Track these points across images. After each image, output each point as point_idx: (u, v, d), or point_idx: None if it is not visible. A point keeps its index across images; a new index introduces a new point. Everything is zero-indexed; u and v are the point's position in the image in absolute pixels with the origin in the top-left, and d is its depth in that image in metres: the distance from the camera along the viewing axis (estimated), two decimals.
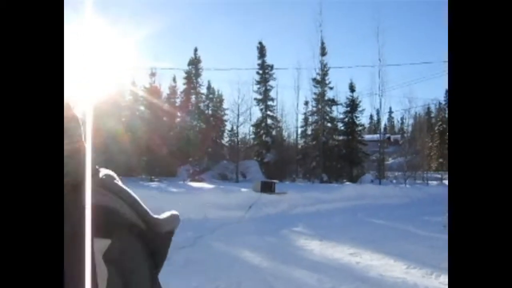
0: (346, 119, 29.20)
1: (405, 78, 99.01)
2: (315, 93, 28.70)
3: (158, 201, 12.22)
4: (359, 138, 29.57)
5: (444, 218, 9.51)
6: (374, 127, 45.19)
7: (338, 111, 29.54)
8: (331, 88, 28.70)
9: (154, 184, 16.32)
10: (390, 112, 58.94)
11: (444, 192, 15.30)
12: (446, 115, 38.25)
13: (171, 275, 6.05)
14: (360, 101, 29.39)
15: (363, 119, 42.00)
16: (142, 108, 23.32)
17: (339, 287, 5.80)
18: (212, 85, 31.94)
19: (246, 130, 31.35)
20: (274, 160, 27.39)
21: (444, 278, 6.00)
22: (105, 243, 0.88)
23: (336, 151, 28.62)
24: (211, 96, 31.21)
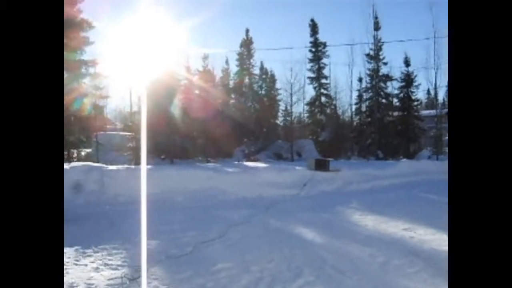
0: (402, 95, 28.39)
1: None
2: (369, 69, 28.14)
3: (214, 181, 12.57)
4: (416, 113, 28.68)
5: None
6: (431, 102, 43.78)
7: (393, 87, 28.78)
8: (385, 64, 28.03)
9: (210, 165, 16.66)
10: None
11: None
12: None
13: (227, 250, 6.35)
14: (415, 76, 28.41)
15: (419, 94, 40.74)
16: (196, 91, 23.71)
17: (391, 261, 5.89)
18: (265, 65, 31.96)
19: (300, 109, 31.31)
20: (329, 138, 27.27)
21: None
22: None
23: (391, 127, 28.04)
24: (264, 76, 31.22)
